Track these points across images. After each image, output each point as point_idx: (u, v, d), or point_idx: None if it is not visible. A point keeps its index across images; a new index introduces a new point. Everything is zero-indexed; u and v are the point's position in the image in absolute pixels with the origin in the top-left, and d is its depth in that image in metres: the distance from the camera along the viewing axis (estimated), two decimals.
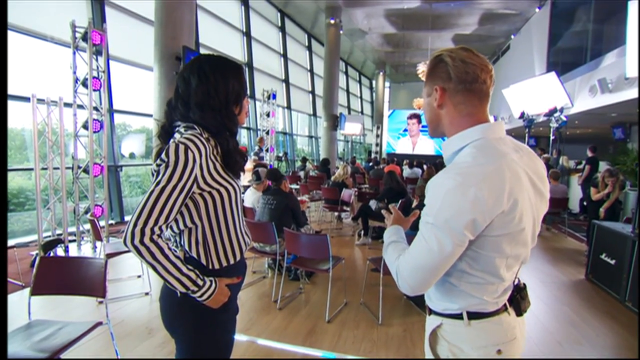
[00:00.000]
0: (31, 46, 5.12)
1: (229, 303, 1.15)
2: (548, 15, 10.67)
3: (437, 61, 0.95)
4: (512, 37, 14.21)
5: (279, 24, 13.04)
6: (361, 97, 23.10)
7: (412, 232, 1.38)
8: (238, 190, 1.17)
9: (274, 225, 3.33)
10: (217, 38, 9.25)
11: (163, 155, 1.00)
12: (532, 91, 8.78)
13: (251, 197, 4.33)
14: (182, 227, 1.10)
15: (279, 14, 12.95)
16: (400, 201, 4.93)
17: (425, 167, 9.49)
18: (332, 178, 6.84)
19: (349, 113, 19.64)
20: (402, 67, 20.73)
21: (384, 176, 5.82)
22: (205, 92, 1.09)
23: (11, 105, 4.71)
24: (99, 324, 1.98)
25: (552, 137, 8.30)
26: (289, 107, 13.19)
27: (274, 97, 9.83)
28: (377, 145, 19.18)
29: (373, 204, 5.33)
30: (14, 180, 5.37)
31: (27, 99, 4.09)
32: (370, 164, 12.65)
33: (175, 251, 1.02)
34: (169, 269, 0.99)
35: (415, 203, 3.95)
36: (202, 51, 8.32)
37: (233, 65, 1.16)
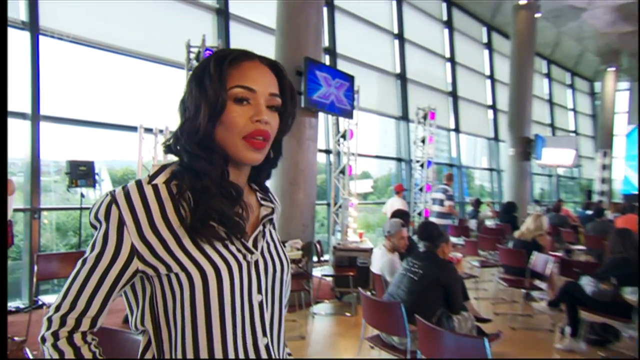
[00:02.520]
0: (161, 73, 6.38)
1: None
2: None
3: None
4: None
5: (444, 18, 12.97)
6: (574, 110, 21.06)
7: None
8: (233, 272, 0.87)
9: (408, 306, 2.99)
10: (360, 44, 9.68)
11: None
12: None
13: (380, 260, 4.13)
14: (138, 325, 0.91)
15: (444, 4, 12.93)
16: None
17: None
18: (517, 234, 6.03)
19: (553, 134, 18.15)
20: None
21: (610, 235, 4.76)
22: (182, 107, 0.96)
23: (125, 135, 5.85)
24: None
25: None
26: (457, 129, 12.77)
27: (432, 116, 9.57)
28: (602, 181, 17.38)
29: (588, 282, 4.35)
30: None
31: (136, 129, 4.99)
32: (589, 212, 11.01)
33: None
34: None
35: None
36: (340, 63, 8.78)
37: (221, 55, 0.90)
